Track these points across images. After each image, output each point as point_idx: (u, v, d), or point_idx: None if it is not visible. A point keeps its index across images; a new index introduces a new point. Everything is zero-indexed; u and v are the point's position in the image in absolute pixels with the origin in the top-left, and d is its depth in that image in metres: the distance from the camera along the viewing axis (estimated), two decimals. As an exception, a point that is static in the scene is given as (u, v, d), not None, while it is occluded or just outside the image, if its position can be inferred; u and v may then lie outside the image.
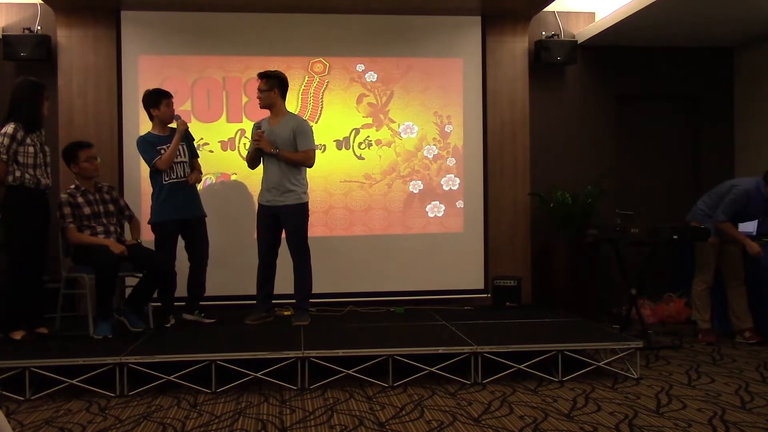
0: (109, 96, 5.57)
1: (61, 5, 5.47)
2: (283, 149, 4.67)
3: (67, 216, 4.47)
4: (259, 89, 4.73)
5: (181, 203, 4.74)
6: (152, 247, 4.77)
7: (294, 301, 4.87)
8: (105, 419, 3.39)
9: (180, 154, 4.74)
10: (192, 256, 4.84)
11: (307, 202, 4.82)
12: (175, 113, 4.85)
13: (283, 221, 4.74)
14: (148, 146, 4.74)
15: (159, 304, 4.77)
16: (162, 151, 4.69)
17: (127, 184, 5.53)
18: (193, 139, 4.97)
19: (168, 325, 4.66)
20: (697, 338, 5.16)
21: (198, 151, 5.07)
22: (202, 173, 4.99)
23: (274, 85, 4.71)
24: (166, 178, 4.72)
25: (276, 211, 4.72)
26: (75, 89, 5.57)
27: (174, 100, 4.83)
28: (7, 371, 3.72)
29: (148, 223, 4.83)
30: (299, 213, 4.74)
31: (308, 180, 5.55)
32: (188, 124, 4.87)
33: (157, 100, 4.74)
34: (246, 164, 5.00)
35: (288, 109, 4.89)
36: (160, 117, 4.76)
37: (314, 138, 4.81)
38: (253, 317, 4.83)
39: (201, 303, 4.89)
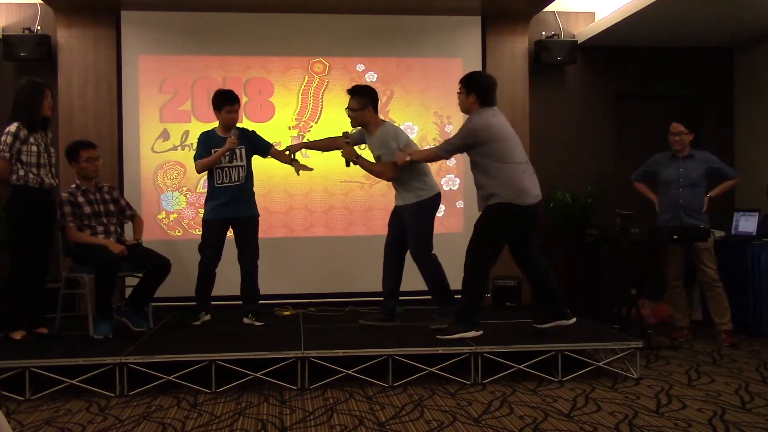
0: (109, 96, 5.57)
1: (61, 5, 5.47)
2: (378, 157, 4.47)
3: (68, 215, 4.48)
4: (350, 108, 4.41)
5: (228, 204, 4.63)
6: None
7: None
8: (105, 419, 3.40)
9: (236, 158, 4.63)
10: (239, 257, 4.72)
11: (426, 199, 4.43)
12: (237, 123, 4.68)
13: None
14: (201, 144, 4.67)
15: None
16: (213, 152, 4.60)
17: (127, 184, 5.53)
18: (256, 137, 4.76)
19: (197, 323, 4.66)
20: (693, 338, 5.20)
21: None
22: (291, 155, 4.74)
23: (367, 103, 4.38)
24: (218, 182, 4.64)
25: (398, 210, 4.57)
26: (75, 89, 5.57)
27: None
28: (7, 371, 3.72)
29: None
30: (410, 212, 4.43)
31: (309, 179, 5.55)
32: (236, 135, 4.61)
33: (220, 105, 4.62)
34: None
35: (381, 118, 4.58)
36: (222, 122, 4.66)
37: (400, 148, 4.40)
38: (368, 318, 4.71)
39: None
